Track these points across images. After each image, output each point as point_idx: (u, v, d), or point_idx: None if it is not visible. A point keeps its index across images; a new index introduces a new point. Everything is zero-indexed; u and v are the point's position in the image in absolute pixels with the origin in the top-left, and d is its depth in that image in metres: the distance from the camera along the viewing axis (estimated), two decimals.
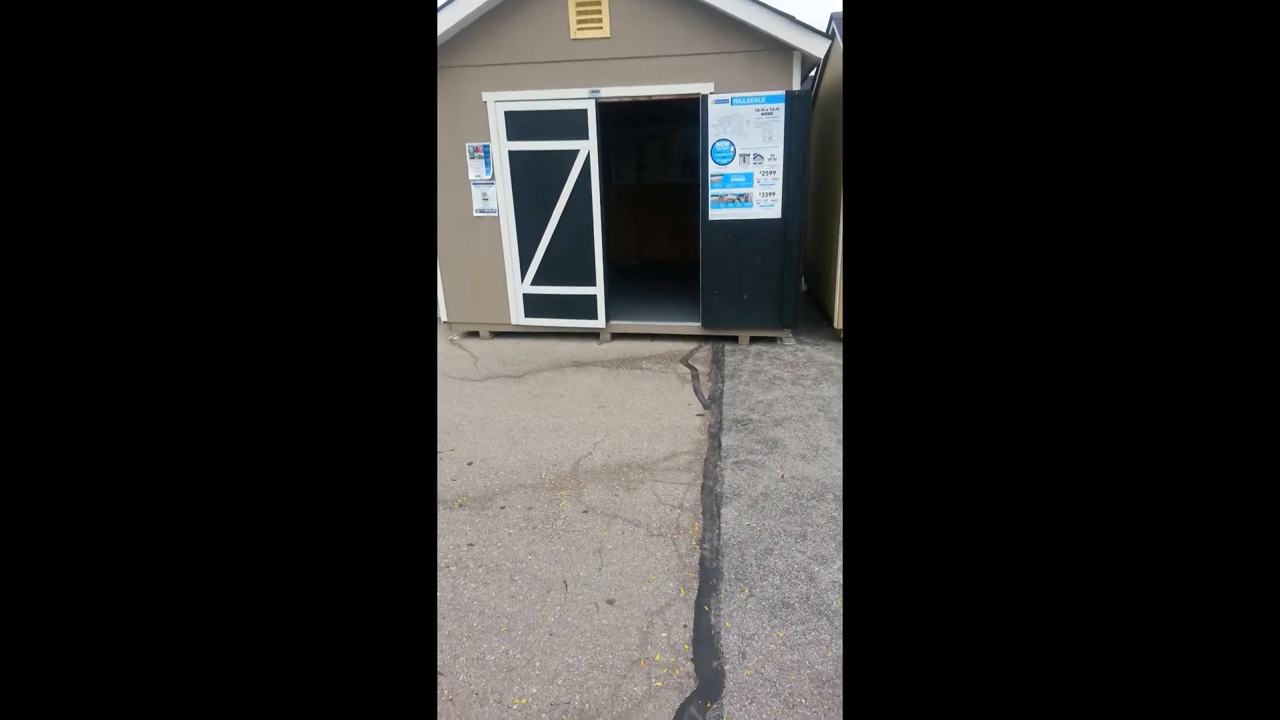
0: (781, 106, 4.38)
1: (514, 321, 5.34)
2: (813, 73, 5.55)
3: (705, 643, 1.97)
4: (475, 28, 4.61)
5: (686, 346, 5.08)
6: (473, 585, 2.27)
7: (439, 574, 2.34)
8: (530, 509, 2.76)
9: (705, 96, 4.45)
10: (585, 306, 5.18)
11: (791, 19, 4.17)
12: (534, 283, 5.19)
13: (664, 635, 2.00)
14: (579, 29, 4.50)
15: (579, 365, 4.71)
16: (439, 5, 4.53)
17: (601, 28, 4.47)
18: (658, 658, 1.92)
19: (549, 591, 2.22)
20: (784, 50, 4.32)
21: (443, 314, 5.46)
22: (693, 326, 5.19)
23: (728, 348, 4.99)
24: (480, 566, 2.37)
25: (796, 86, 4.42)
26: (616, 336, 5.35)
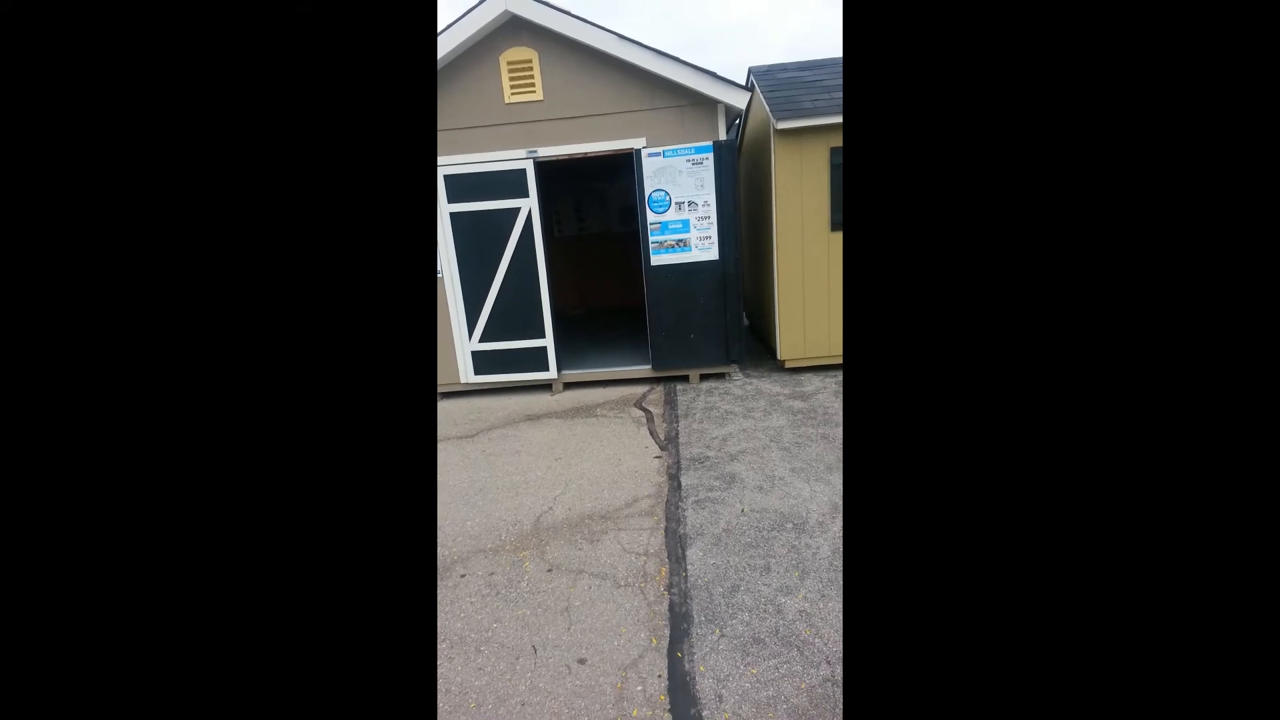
0: (710, 156, 4.61)
1: (464, 380, 5.28)
2: (737, 122, 5.87)
3: (681, 690, 1.95)
4: None
5: (639, 390, 5.12)
6: (438, 662, 2.18)
7: None
8: (492, 574, 2.69)
9: (638, 150, 4.64)
10: (536, 359, 5.18)
11: (714, 75, 4.44)
12: (482, 339, 5.17)
13: (639, 689, 1.97)
14: (513, 94, 4.65)
15: (533, 419, 4.68)
16: None
17: (534, 91, 4.64)
18: (634, 713, 1.88)
19: (518, 659, 2.16)
20: (709, 104, 4.58)
21: None
22: (644, 370, 5.25)
23: (679, 387, 5.07)
24: (444, 641, 2.28)
25: (723, 136, 4.67)
26: (569, 386, 5.35)
